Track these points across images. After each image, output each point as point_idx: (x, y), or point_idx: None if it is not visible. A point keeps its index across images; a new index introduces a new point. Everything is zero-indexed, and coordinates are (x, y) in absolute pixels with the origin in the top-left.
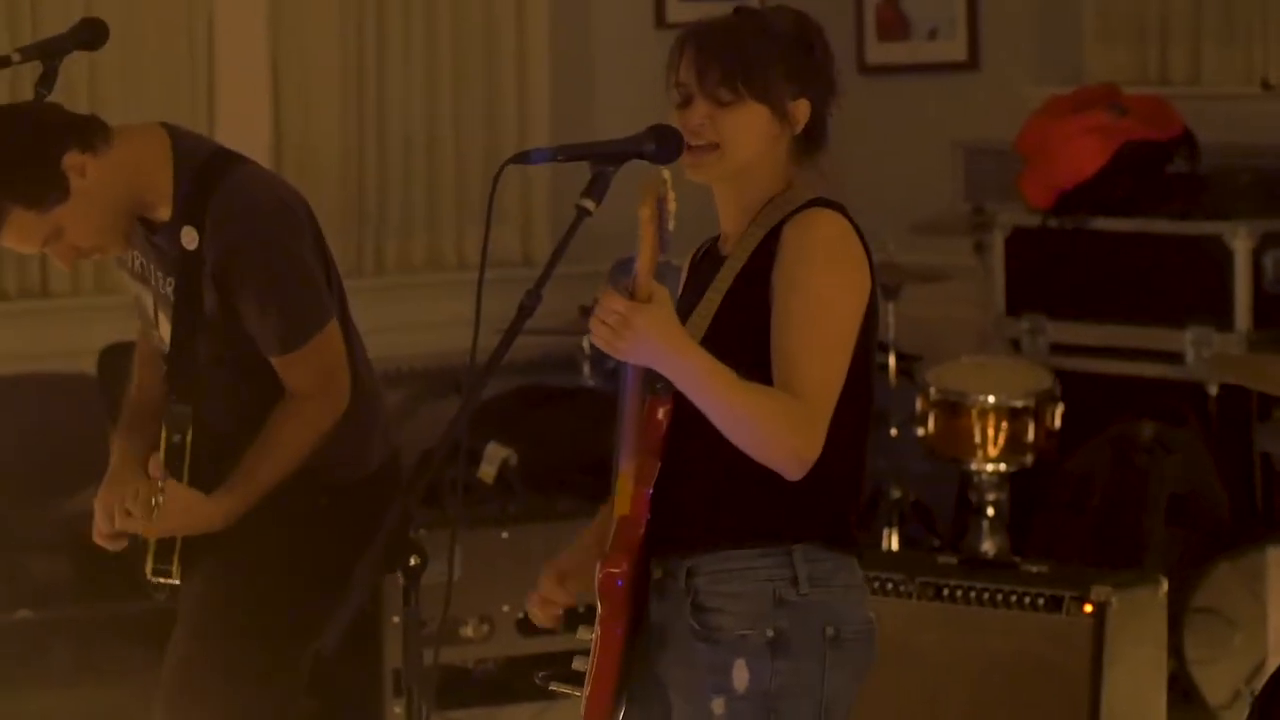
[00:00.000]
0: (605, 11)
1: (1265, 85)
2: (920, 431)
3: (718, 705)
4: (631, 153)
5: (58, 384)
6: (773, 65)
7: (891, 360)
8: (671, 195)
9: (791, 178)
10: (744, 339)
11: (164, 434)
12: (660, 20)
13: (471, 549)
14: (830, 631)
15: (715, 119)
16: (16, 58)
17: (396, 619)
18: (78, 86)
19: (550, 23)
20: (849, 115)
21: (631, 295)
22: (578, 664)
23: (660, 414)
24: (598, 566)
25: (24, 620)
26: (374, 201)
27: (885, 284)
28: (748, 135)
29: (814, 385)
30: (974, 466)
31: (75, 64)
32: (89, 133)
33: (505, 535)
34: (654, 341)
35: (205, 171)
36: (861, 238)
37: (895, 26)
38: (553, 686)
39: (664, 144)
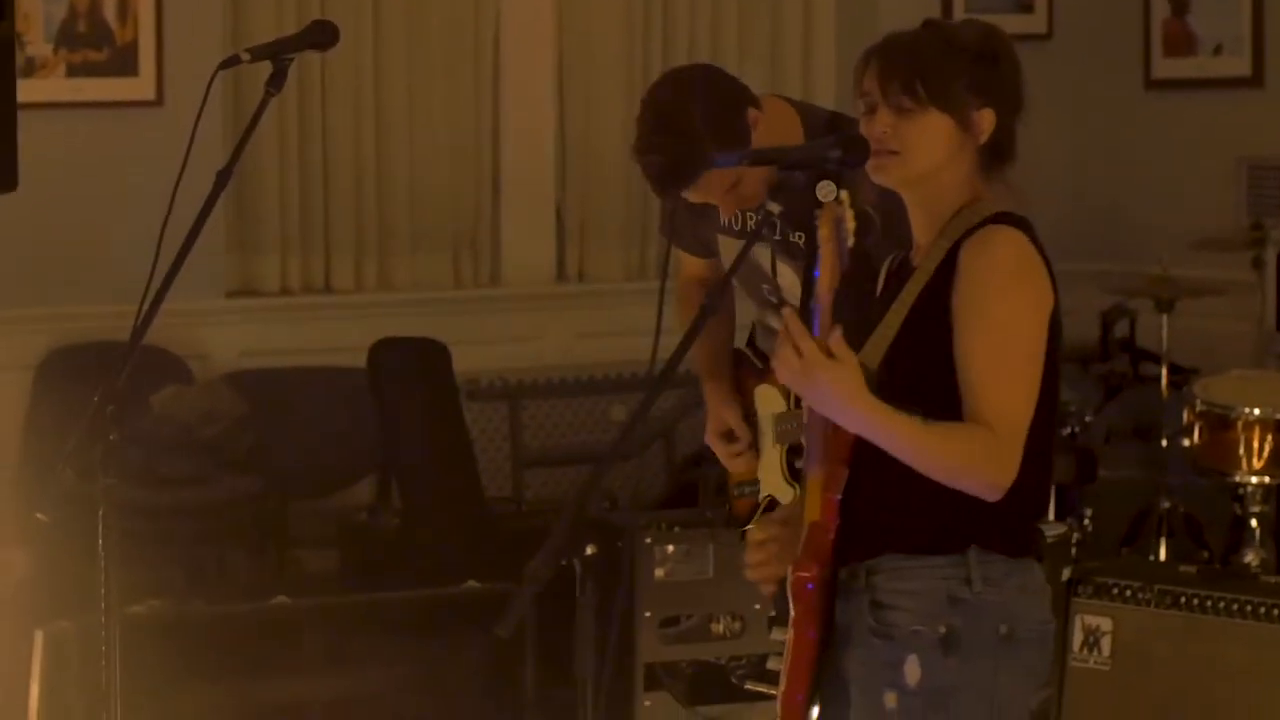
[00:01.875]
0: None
1: None
2: (1187, 443)
3: (890, 699)
4: (818, 159)
5: (330, 378)
6: (954, 75)
7: (1164, 372)
8: (850, 214)
9: (979, 190)
10: (927, 355)
11: None
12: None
13: (727, 548)
14: (1004, 630)
15: (897, 127)
16: (246, 57)
17: (649, 614)
18: (365, 85)
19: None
20: (1134, 129)
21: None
22: (772, 664)
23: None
24: (789, 570)
25: (281, 606)
26: (655, 202)
27: (1160, 297)
28: (929, 143)
29: (1003, 414)
30: (1239, 479)
31: (363, 65)
32: (752, 93)
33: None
34: (835, 400)
35: (832, 130)
36: (1041, 250)
37: (1181, 42)
38: (749, 685)
39: (851, 152)
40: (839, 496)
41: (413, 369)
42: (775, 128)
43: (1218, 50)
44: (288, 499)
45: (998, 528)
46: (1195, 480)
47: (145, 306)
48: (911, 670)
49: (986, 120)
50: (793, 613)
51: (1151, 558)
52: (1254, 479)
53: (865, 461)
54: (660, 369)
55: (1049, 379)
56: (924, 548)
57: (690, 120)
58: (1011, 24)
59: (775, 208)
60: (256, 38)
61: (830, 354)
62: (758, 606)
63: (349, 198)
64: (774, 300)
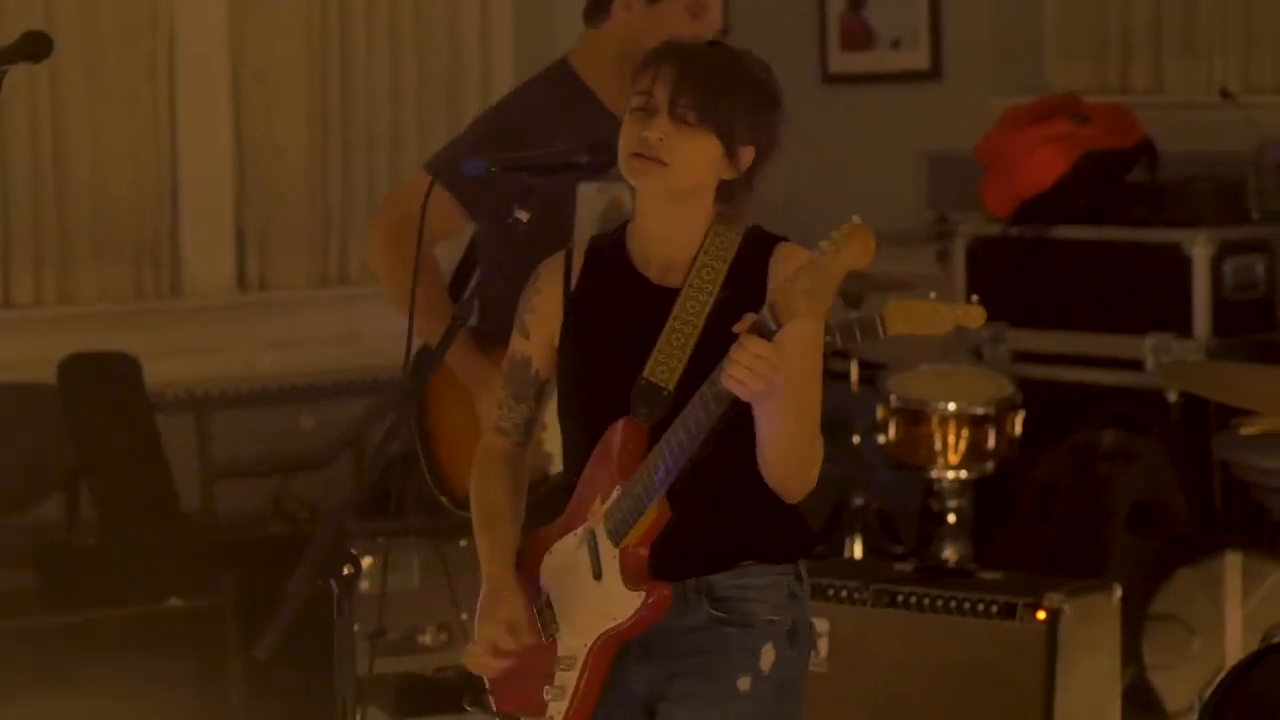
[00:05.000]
0: (570, 16)
1: (1224, 94)
2: (882, 439)
3: (744, 683)
4: (567, 164)
5: (14, 394)
6: (740, 106)
7: (854, 369)
8: None
9: (716, 213)
10: None
11: None
12: None
13: (431, 558)
14: (813, 629)
15: (672, 139)
16: None
17: (357, 627)
18: (40, 93)
19: (515, 29)
20: (813, 124)
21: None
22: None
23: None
24: (638, 598)
25: None
26: (338, 210)
27: (847, 292)
28: (697, 163)
29: (818, 422)
30: (935, 474)
31: (38, 72)
32: None
33: (464, 544)
34: (781, 375)
35: None
36: None
37: (859, 36)
38: (468, 708)
39: (598, 157)
40: (669, 516)
41: (104, 384)
42: None
43: (896, 44)
44: None
45: (808, 531)
46: (889, 476)
47: None
48: (768, 657)
49: (747, 155)
50: (592, 652)
51: (846, 555)
52: (950, 474)
53: (700, 480)
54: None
55: None
56: (774, 558)
57: None
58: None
59: (524, 215)
60: None
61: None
62: (464, 617)
63: (27, 208)
64: None
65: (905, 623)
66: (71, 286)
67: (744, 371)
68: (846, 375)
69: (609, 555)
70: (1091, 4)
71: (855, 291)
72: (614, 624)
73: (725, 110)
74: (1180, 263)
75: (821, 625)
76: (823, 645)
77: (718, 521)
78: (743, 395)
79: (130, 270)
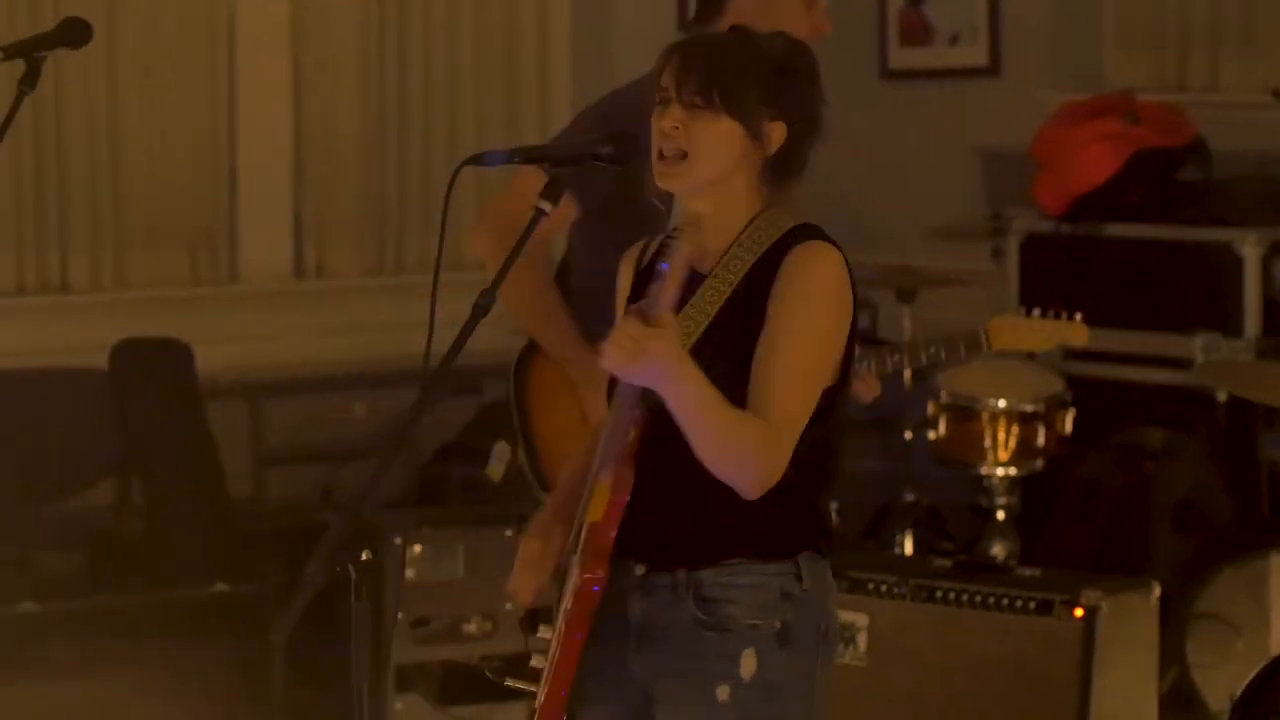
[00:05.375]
0: (627, 10)
1: (1276, 94)
2: (932, 435)
3: (723, 692)
4: (588, 155)
5: (68, 379)
6: (751, 83)
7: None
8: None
9: (766, 200)
10: (728, 364)
11: None
12: (683, 19)
13: (476, 548)
14: (822, 627)
15: (687, 126)
16: None
17: (400, 615)
18: (98, 79)
19: (572, 21)
20: (871, 119)
21: (647, 321)
22: (536, 661)
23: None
24: (576, 573)
25: (27, 613)
26: (394, 200)
27: (901, 287)
28: (717, 147)
29: (789, 417)
30: (985, 471)
31: (92, 58)
32: None
33: (509, 534)
34: (663, 367)
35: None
36: (850, 272)
37: (918, 32)
38: (509, 682)
39: (620, 147)
40: (626, 498)
41: (156, 370)
42: None
43: (954, 40)
44: (28, 501)
45: (820, 529)
46: (939, 472)
47: None
48: (748, 663)
49: (777, 133)
50: (570, 612)
51: (896, 551)
52: (999, 471)
53: (694, 464)
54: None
55: (841, 392)
56: (764, 554)
57: None
58: None
59: (546, 206)
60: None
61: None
62: (509, 606)
63: (84, 194)
64: None
65: (944, 618)
66: (127, 272)
67: (615, 350)
68: (900, 371)
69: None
70: (1150, 1)
71: (909, 286)
72: (570, 597)
73: (732, 89)
74: (1231, 262)
75: (860, 620)
76: (862, 640)
77: (704, 515)
78: (619, 375)
79: (186, 256)
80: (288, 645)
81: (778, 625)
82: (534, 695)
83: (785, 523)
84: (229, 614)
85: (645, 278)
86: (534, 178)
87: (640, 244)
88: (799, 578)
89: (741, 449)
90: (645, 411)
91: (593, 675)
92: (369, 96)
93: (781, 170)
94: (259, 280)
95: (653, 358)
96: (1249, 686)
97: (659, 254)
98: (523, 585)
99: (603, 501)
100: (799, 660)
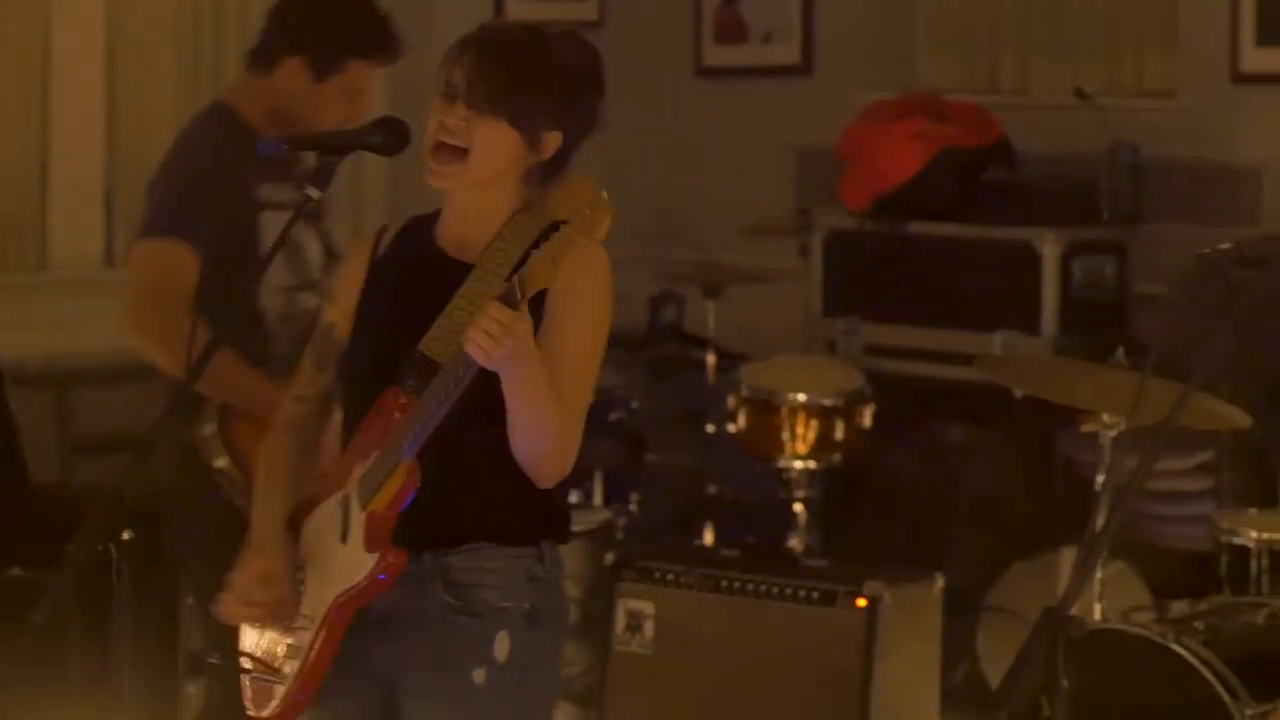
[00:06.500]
0: (446, 7)
1: (1079, 95)
2: (733, 428)
3: (479, 675)
4: (358, 144)
5: None
6: (539, 94)
7: (711, 358)
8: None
9: (527, 197)
10: None
11: None
12: (501, 17)
13: None
14: (563, 609)
15: (470, 124)
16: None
17: (190, 600)
18: None
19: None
20: (685, 116)
21: (513, 306)
22: (262, 651)
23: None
24: (357, 563)
25: None
26: None
27: (709, 283)
28: (496, 150)
29: (581, 402)
30: (784, 464)
31: None
32: None
33: None
34: (524, 349)
35: None
36: None
37: (732, 30)
38: (245, 667)
39: (391, 136)
40: (417, 486)
41: None
42: None
43: (768, 38)
44: None
45: (559, 516)
46: (742, 465)
47: None
48: (502, 645)
49: (554, 141)
50: (335, 603)
51: (698, 542)
52: (798, 464)
53: (447, 455)
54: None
55: None
56: (511, 539)
57: None
58: (564, 11)
59: (315, 193)
60: None
61: None
62: None
63: None
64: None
65: (731, 608)
66: None
67: (483, 337)
68: (705, 365)
69: (357, 518)
70: (961, 3)
71: (717, 282)
72: (350, 585)
73: (521, 98)
74: (1030, 261)
75: (648, 608)
76: (649, 628)
77: (456, 498)
78: (482, 361)
79: None
80: (84, 628)
81: (526, 607)
82: (267, 681)
83: (528, 509)
84: (25, 599)
85: (387, 264)
86: (149, 250)
87: (377, 229)
88: (541, 560)
89: (563, 436)
90: (399, 396)
91: (331, 667)
92: (184, 81)
93: (549, 173)
94: (69, 268)
95: (520, 340)
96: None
97: (403, 240)
98: (234, 614)
99: (391, 492)
100: (546, 640)
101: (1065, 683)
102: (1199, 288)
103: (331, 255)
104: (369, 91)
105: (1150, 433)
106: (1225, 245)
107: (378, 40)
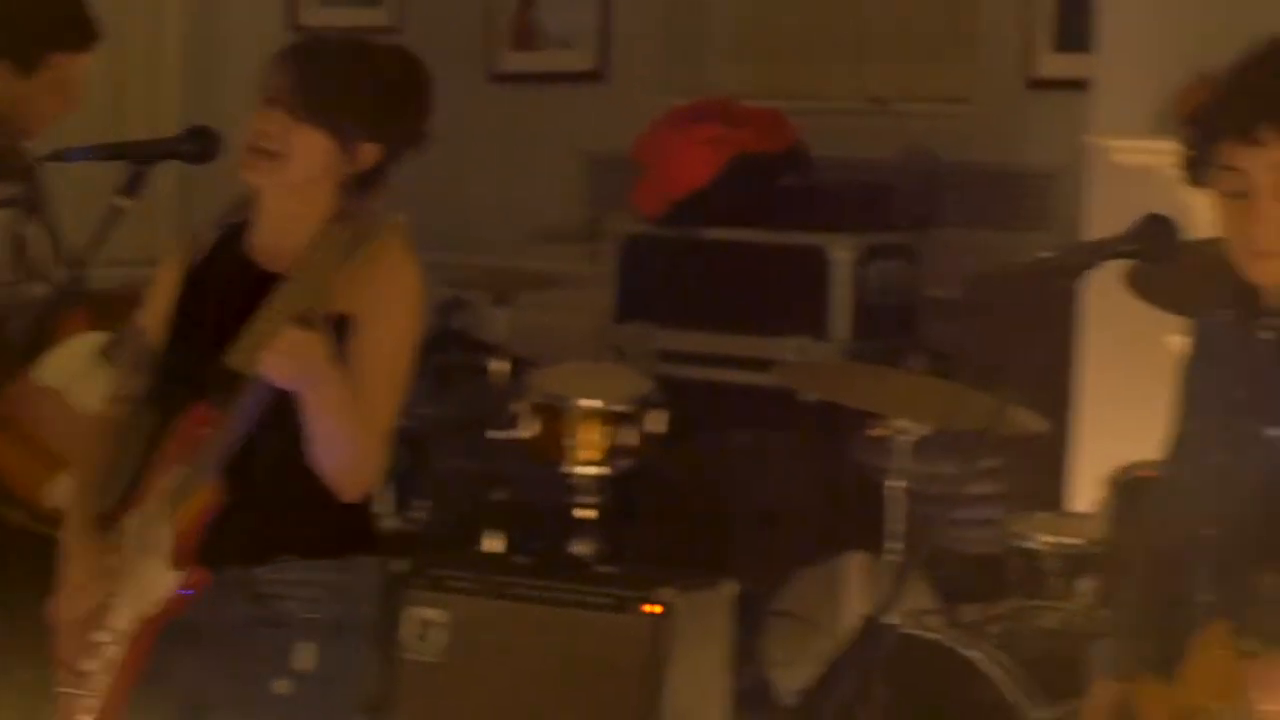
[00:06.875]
0: (238, 11)
1: (875, 101)
2: (522, 435)
3: (280, 686)
4: (168, 152)
5: None
6: (357, 106)
7: (501, 364)
8: None
9: (340, 206)
10: None
11: None
12: (293, 23)
13: None
14: (366, 616)
15: (287, 132)
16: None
17: None
18: None
19: (182, 21)
20: (478, 122)
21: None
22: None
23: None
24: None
25: None
26: None
27: (500, 289)
28: (311, 158)
29: (385, 420)
30: (573, 470)
31: None
32: None
33: None
34: (319, 371)
35: None
36: None
37: (527, 35)
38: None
39: (201, 145)
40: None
41: None
42: None
43: (563, 44)
44: None
45: (365, 530)
46: (531, 471)
47: None
48: (307, 656)
49: (370, 154)
50: (139, 618)
51: (486, 549)
52: (588, 470)
53: (250, 470)
54: None
55: None
56: (315, 552)
57: None
58: (358, 17)
59: (124, 202)
60: None
61: None
62: None
63: None
64: None
65: (522, 615)
66: None
67: (276, 357)
68: (493, 371)
69: (160, 534)
70: (756, 9)
71: (509, 289)
72: (154, 600)
73: (339, 109)
74: (823, 266)
75: (439, 616)
76: (442, 636)
77: (259, 512)
78: (276, 380)
79: None
80: None
81: (331, 618)
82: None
83: (335, 523)
84: None
85: (199, 272)
86: None
87: (186, 242)
88: (347, 572)
89: (362, 452)
90: (209, 411)
91: (136, 682)
92: None
93: (365, 184)
94: None
95: (317, 359)
96: (817, 682)
97: (218, 248)
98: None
99: (196, 507)
100: (351, 651)
101: (882, 690)
102: (1003, 295)
103: (58, 247)
104: (78, 80)
105: (953, 438)
106: (1046, 254)
107: (76, 29)
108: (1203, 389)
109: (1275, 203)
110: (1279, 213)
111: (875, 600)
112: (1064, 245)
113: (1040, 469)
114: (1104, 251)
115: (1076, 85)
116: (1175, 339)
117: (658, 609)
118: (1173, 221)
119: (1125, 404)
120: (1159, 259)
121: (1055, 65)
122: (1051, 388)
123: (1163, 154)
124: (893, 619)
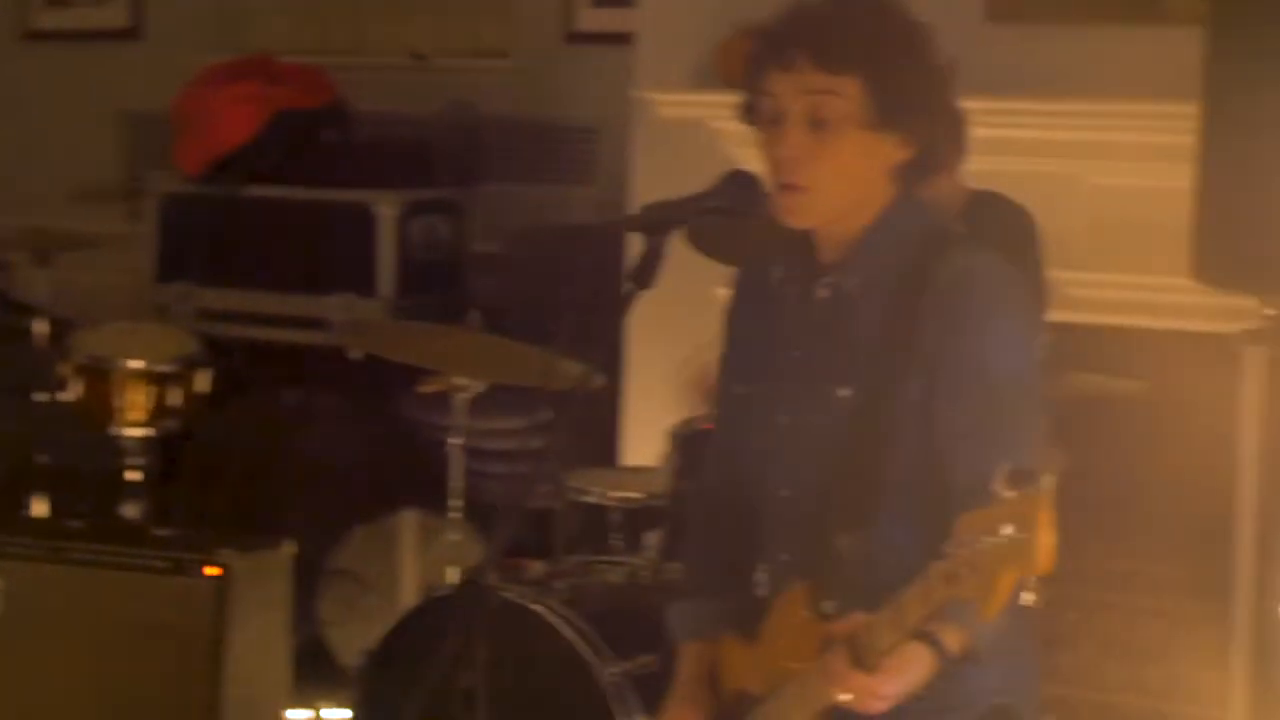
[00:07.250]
0: None
1: (416, 56)
2: (67, 397)
3: None
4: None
5: None
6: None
7: (42, 326)
8: None
9: None
10: None
11: None
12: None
13: None
14: None
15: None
16: None
17: None
18: None
19: None
20: (9, 81)
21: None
22: None
23: None
24: None
25: None
26: None
27: (37, 249)
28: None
29: None
30: (119, 432)
31: None
32: None
33: None
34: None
35: None
36: None
37: None
38: None
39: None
40: None
41: None
42: None
43: (97, 2)
44: None
45: None
46: (76, 434)
47: None
48: None
49: None
50: None
51: (32, 514)
52: (134, 431)
53: None
54: None
55: None
56: None
57: None
58: None
59: None
60: None
61: None
62: None
63: None
64: None
65: (79, 580)
66: None
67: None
68: (32, 333)
69: None
70: None
71: (46, 248)
72: None
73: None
74: (367, 223)
75: None
76: None
77: None
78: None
79: None
80: None
81: None
82: None
83: None
84: None
85: None
86: None
87: None
88: None
89: None
90: None
91: None
92: None
93: None
94: None
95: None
96: (383, 640)
97: None
98: None
99: None
100: None
101: (483, 651)
102: (549, 249)
103: None
104: None
105: (508, 394)
106: (630, 214)
107: None
108: (755, 345)
109: (801, 130)
110: (803, 139)
111: (477, 560)
112: (609, 199)
113: (587, 425)
114: (689, 208)
115: (618, 39)
116: (722, 291)
117: (218, 571)
118: (755, 178)
119: (676, 358)
120: (742, 215)
121: (595, 19)
122: (604, 343)
123: (707, 106)
124: (487, 578)
